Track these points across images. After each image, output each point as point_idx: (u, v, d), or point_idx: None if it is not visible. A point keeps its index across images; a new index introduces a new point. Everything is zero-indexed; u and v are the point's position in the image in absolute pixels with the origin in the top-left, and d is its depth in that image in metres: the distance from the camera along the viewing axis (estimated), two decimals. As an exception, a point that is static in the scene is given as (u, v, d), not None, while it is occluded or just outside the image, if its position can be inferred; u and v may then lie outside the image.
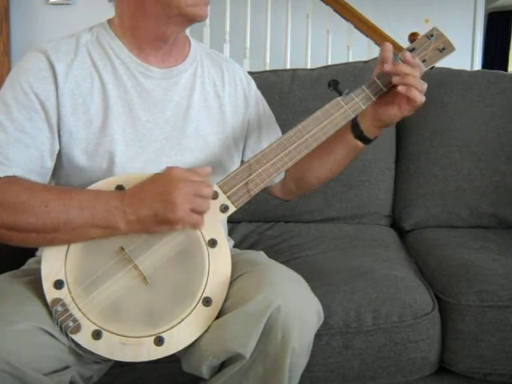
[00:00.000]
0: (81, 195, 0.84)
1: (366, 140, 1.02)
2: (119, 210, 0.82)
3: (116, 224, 0.82)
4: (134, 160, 0.94)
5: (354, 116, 0.96)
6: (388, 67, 0.92)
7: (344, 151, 1.04)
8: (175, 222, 0.82)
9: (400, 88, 0.92)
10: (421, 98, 0.93)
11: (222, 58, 1.11)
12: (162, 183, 0.83)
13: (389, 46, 0.96)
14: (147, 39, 0.96)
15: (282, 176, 1.13)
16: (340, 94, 0.96)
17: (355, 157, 1.07)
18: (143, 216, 0.82)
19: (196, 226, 0.85)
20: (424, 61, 0.98)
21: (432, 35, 0.99)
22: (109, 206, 0.82)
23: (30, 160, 0.89)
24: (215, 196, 0.88)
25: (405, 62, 0.92)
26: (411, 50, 0.99)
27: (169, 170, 0.84)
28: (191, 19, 0.94)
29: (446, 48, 0.99)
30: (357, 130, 1.01)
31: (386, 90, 0.96)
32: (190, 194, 0.82)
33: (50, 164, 0.92)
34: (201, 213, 0.85)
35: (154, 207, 0.82)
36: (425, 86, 0.93)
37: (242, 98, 1.09)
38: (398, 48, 3.06)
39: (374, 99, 0.96)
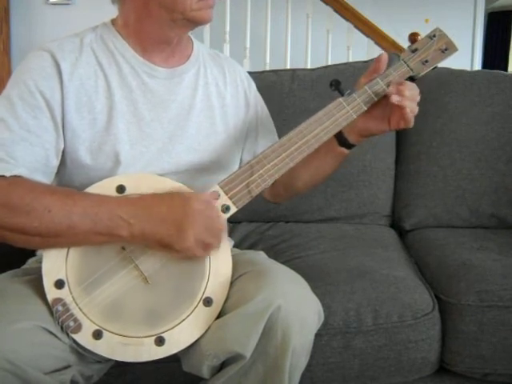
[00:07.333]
0: (84, 201, 0.82)
1: (349, 146, 1.02)
2: (123, 220, 0.81)
3: (119, 233, 0.81)
4: (137, 159, 0.94)
5: (355, 117, 0.96)
6: (395, 99, 0.92)
7: (328, 158, 1.05)
8: (178, 251, 0.83)
9: (397, 109, 0.93)
10: (412, 122, 0.95)
11: (224, 58, 1.12)
12: (178, 212, 0.82)
13: (384, 57, 0.97)
14: (151, 41, 0.96)
15: None
16: (342, 94, 0.96)
17: (341, 162, 1.07)
18: (149, 234, 0.82)
19: (197, 258, 0.85)
20: (426, 61, 0.98)
21: (434, 35, 0.99)
22: (112, 215, 0.81)
23: (35, 159, 0.88)
24: (216, 196, 0.88)
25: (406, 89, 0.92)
26: (414, 51, 0.99)
27: (188, 200, 0.83)
28: (196, 23, 0.95)
29: (448, 48, 0.99)
30: (340, 138, 1.01)
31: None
32: (202, 228, 0.82)
33: (55, 162, 0.92)
34: (207, 248, 0.85)
35: (161, 231, 0.81)
36: (417, 110, 0.94)
37: (242, 99, 1.10)
38: (397, 48, 3.06)
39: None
